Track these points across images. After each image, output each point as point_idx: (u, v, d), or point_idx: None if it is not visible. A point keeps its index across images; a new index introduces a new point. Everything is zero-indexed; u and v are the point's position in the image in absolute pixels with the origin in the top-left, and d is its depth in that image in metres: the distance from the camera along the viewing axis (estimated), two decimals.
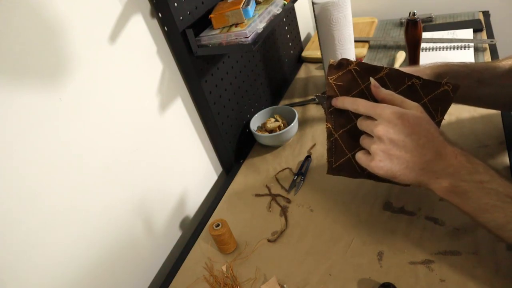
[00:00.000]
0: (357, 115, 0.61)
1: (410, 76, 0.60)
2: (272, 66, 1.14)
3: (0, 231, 0.49)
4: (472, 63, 0.90)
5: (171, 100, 0.79)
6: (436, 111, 0.60)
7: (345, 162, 0.62)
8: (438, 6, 1.38)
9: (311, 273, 0.63)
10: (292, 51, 1.29)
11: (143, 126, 0.72)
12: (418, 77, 0.60)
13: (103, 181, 0.64)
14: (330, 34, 0.96)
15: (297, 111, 0.94)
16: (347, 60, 0.61)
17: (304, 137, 0.95)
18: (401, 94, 0.60)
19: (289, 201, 0.79)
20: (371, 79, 0.57)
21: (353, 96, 0.61)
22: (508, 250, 0.57)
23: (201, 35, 0.75)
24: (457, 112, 0.84)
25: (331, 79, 0.61)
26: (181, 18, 0.72)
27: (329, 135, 0.62)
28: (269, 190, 0.83)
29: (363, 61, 1.17)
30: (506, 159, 0.71)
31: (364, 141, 0.55)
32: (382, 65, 0.61)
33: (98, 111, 0.63)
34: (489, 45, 1.05)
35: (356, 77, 0.61)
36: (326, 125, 0.61)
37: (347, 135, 0.61)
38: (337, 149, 0.62)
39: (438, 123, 0.60)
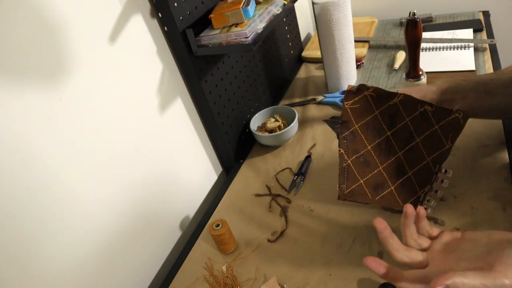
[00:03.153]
0: (371, 141, 0.62)
1: (422, 102, 0.62)
2: (272, 66, 1.14)
3: (0, 230, 0.49)
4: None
5: (171, 100, 0.79)
6: (447, 138, 0.61)
7: (357, 188, 0.62)
8: (438, 6, 1.38)
9: (311, 273, 0.63)
10: (292, 51, 1.29)
11: (143, 126, 0.72)
12: (430, 104, 0.61)
13: (103, 181, 0.64)
14: (330, 34, 0.96)
15: (297, 111, 0.94)
16: (364, 85, 0.63)
17: (304, 137, 0.95)
18: (414, 121, 0.62)
19: (289, 201, 0.79)
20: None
21: (367, 121, 0.63)
22: None
23: (201, 35, 0.75)
24: None
25: (347, 104, 0.62)
26: (181, 18, 0.72)
27: (342, 160, 0.61)
28: (269, 190, 0.83)
29: (363, 61, 1.17)
30: (506, 159, 0.71)
31: None
32: (396, 91, 0.62)
33: (98, 111, 0.63)
34: (489, 45, 1.05)
35: (371, 103, 0.63)
36: (339, 150, 0.61)
37: (359, 161, 0.62)
38: (349, 175, 0.61)
39: (448, 150, 0.61)
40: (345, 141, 0.61)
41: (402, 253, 0.49)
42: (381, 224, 0.51)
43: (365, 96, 0.63)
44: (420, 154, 0.62)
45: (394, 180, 0.63)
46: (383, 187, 0.62)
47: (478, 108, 0.63)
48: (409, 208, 0.51)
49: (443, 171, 0.62)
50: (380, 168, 0.63)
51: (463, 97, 0.63)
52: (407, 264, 0.48)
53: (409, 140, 0.63)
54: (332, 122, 0.69)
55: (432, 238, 0.51)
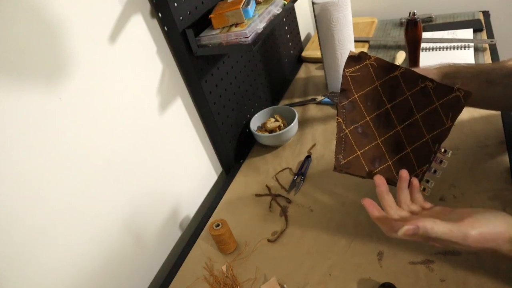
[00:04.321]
0: (370, 112, 0.61)
1: (424, 78, 0.61)
2: (272, 66, 1.14)
3: (0, 230, 0.49)
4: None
5: (171, 100, 0.79)
6: (447, 116, 0.60)
7: (354, 159, 0.61)
8: (438, 6, 1.38)
9: (311, 273, 0.63)
10: (292, 51, 1.29)
11: (143, 126, 0.72)
12: (431, 80, 0.60)
13: (103, 181, 0.64)
14: (330, 34, 0.96)
15: (297, 111, 0.94)
16: (365, 54, 0.61)
17: (304, 137, 0.95)
18: (414, 96, 0.61)
19: (289, 201, 0.79)
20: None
21: (367, 92, 0.62)
22: None
23: (201, 35, 0.75)
24: None
25: (348, 71, 0.61)
26: (181, 18, 0.72)
27: (339, 130, 0.60)
28: (269, 190, 0.83)
29: None
30: (506, 159, 0.71)
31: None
32: (398, 64, 0.61)
33: (98, 111, 0.63)
34: (489, 45, 1.05)
35: (371, 73, 0.62)
36: (337, 119, 0.60)
37: (357, 131, 0.61)
38: (346, 145, 0.60)
39: (448, 129, 0.60)
40: (343, 111, 0.60)
41: (394, 211, 0.55)
42: (380, 180, 0.57)
43: (366, 66, 0.62)
44: (420, 131, 0.61)
45: (392, 155, 0.62)
46: (380, 161, 0.61)
47: (479, 97, 0.63)
48: (403, 172, 0.57)
49: (442, 150, 0.60)
50: (379, 141, 0.62)
51: (464, 83, 0.62)
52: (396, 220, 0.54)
53: (408, 116, 0.62)
54: (331, 95, 0.68)
55: (424, 210, 0.56)
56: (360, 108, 0.61)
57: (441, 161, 0.61)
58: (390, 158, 0.62)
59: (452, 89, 0.59)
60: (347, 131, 0.60)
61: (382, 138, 0.62)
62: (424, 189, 0.61)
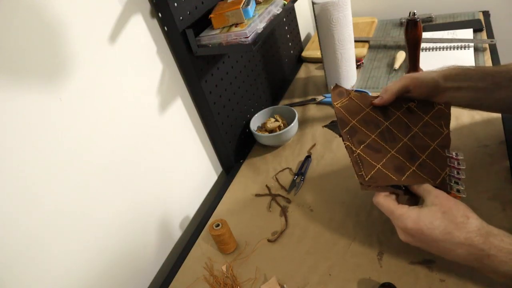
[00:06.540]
0: (372, 131, 0.64)
1: (405, 100, 0.67)
2: (272, 66, 1.14)
3: None
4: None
5: (171, 100, 0.79)
6: (440, 126, 0.64)
7: (377, 173, 0.59)
8: (438, 6, 1.38)
9: (311, 273, 0.63)
10: (292, 51, 1.29)
11: (143, 126, 0.72)
12: (413, 100, 0.66)
13: (103, 181, 0.64)
14: (330, 34, 0.96)
15: (297, 111, 0.94)
16: (345, 89, 0.68)
17: (304, 137, 0.95)
18: (404, 115, 0.66)
19: (289, 201, 0.79)
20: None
21: (362, 117, 0.65)
22: None
23: (201, 35, 0.75)
24: (457, 113, 0.83)
25: (336, 104, 0.66)
26: (181, 18, 0.72)
27: (351, 152, 0.60)
28: (269, 190, 0.83)
29: (363, 61, 1.17)
30: (506, 159, 0.71)
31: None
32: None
33: (98, 111, 0.63)
34: (489, 45, 1.05)
35: (358, 103, 0.67)
36: (345, 143, 0.61)
37: (368, 149, 0.61)
38: (363, 163, 0.60)
39: (447, 135, 0.63)
40: (348, 136, 0.62)
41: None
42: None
43: (350, 98, 0.67)
44: (424, 141, 0.63)
45: (411, 162, 0.61)
46: (403, 169, 0.60)
47: (484, 99, 0.63)
48: None
49: (454, 154, 0.60)
50: (392, 152, 0.62)
51: (470, 86, 0.62)
52: None
53: (408, 130, 0.64)
54: (332, 125, 0.69)
55: None
56: (362, 130, 0.63)
57: (458, 163, 0.60)
58: (411, 165, 0.61)
59: (432, 104, 0.65)
60: (358, 151, 0.61)
61: (394, 149, 0.62)
62: (458, 191, 0.58)
